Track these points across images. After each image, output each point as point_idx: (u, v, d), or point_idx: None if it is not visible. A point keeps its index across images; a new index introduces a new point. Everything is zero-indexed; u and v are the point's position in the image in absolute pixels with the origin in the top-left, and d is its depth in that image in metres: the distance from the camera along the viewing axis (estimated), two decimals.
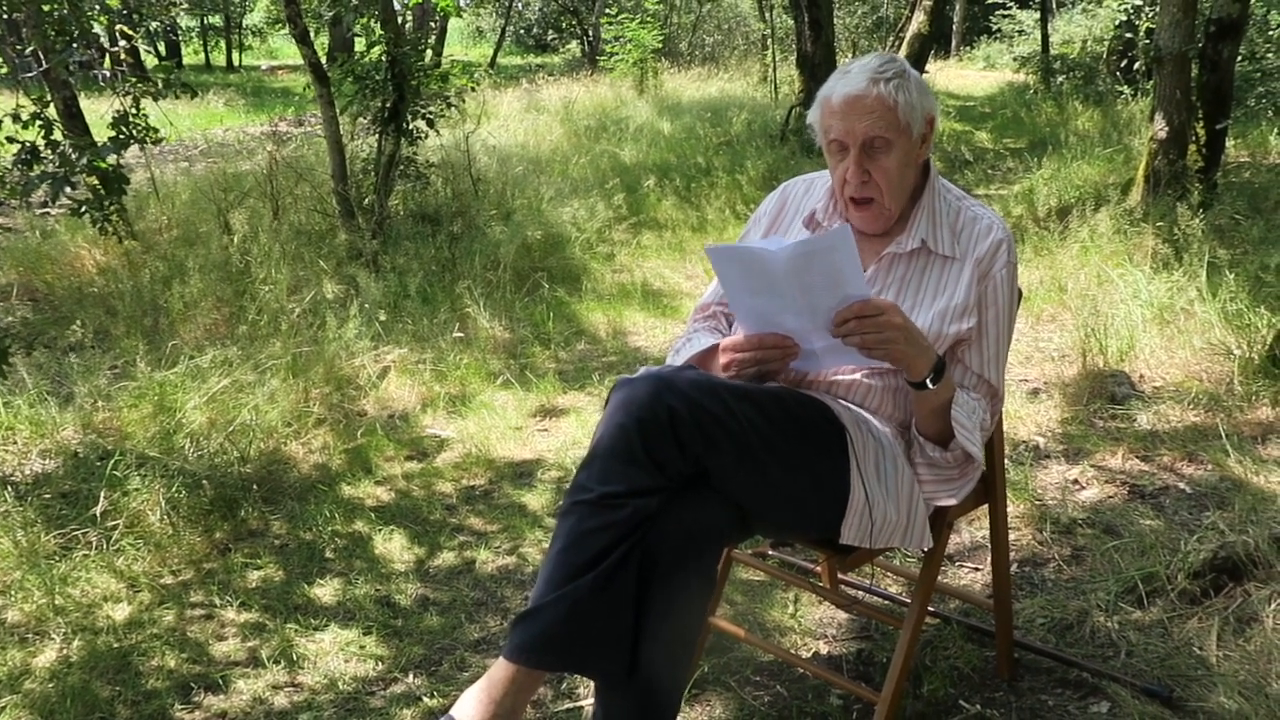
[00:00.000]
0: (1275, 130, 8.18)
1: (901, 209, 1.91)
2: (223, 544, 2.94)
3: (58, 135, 3.36)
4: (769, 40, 14.34)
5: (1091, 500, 3.07)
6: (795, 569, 2.71)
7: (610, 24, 14.55)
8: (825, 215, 2.00)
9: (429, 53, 9.06)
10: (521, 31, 28.15)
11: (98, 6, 3.73)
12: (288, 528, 3.04)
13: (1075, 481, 3.20)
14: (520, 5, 25.53)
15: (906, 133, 1.84)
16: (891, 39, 14.90)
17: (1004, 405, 2.04)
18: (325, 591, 2.70)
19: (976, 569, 2.76)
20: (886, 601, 2.59)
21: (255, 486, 3.17)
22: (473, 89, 7.60)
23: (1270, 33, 9.46)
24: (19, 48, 4.07)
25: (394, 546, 2.95)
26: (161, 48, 23.18)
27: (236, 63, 26.04)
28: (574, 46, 24.74)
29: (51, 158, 3.22)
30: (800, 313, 1.69)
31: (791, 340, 1.78)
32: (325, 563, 2.86)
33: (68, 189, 3.21)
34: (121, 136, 3.45)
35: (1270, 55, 9.14)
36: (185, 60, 24.80)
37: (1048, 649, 2.34)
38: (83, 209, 3.44)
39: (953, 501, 1.90)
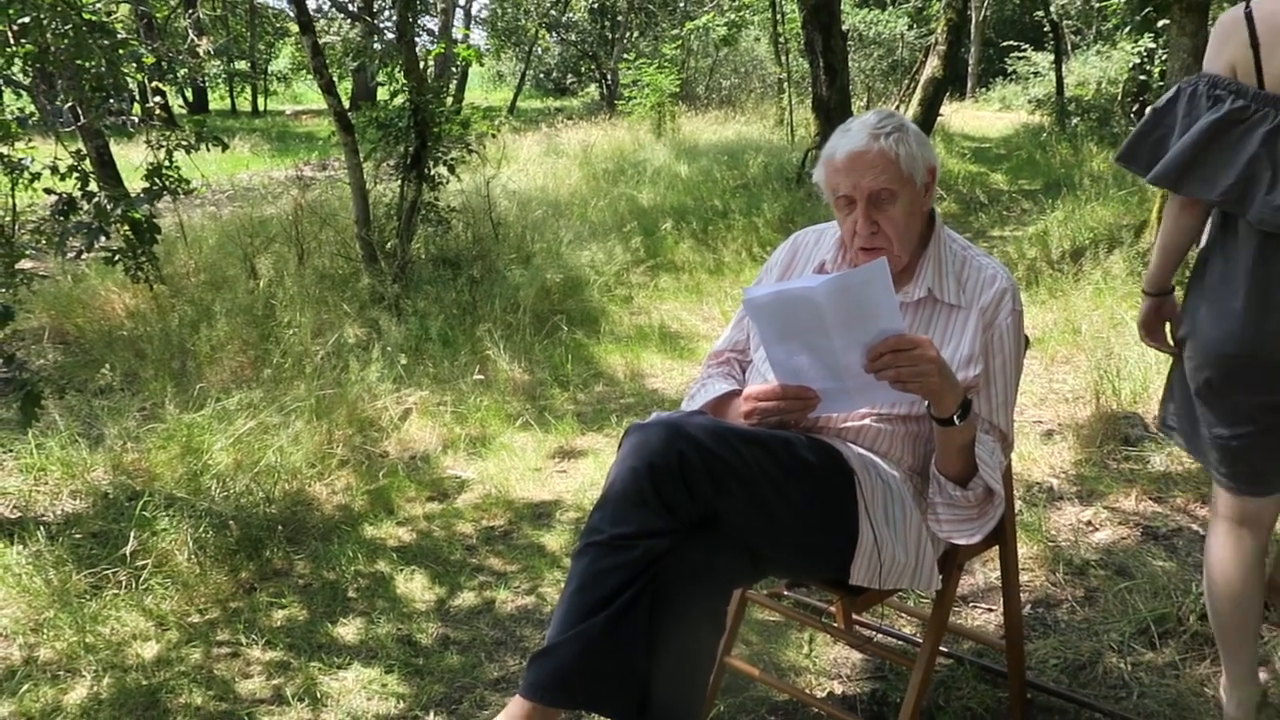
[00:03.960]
0: None
1: (909, 257, 1.97)
2: (248, 583, 3.00)
3: (93, 186, 3.48)
4: (785, 84, 14.51)
5: (1105, 541, 3.10)
6: (810, 609, 2.74)
7: (628, 68, 14.78)
8: (835, 265, 2.06)
9: (450, 99, 9.23)
10: (541, 75, 28.56)
11: (134, 64, 3.87)
12: (311, 567, 3.10)
13: (1088, 523, 3.23)
14: (540, 50, 25.93)
15: (910, 183, 1.90)
16: (907, 82, 15.06)
17: (1018, 447, 2.08)
18: (348, 630, 2.76)
19: (990, 610, 2.79)
20: (900, 642, 2.62)
21: (280, 527, 3.23)
22: (493, 135, 7.74)
23: None
24: (57, 101, 4.21)
25: (415, 586, 3.00)
26: (189, 94, 23.67)
27: (261, 108, 26.53)
28: (593, 90, 25.09)
29: (88, 208, 3.33)
30: (834, 349, 1.73)
31: (813, 392, 1.83)
32: (348, 602, 2.91)
33: (102, 238, 3.32)
34: (155, 188, 3.57)
35: None
36: (211, 105, 25.30)
37: (1060, 690, 2.37)
38: (116, 258, 3.55)
39: (974, 540, 1.93)
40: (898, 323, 1.68)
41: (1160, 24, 10.28)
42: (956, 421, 1.78)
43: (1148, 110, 2.10)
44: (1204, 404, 2.06)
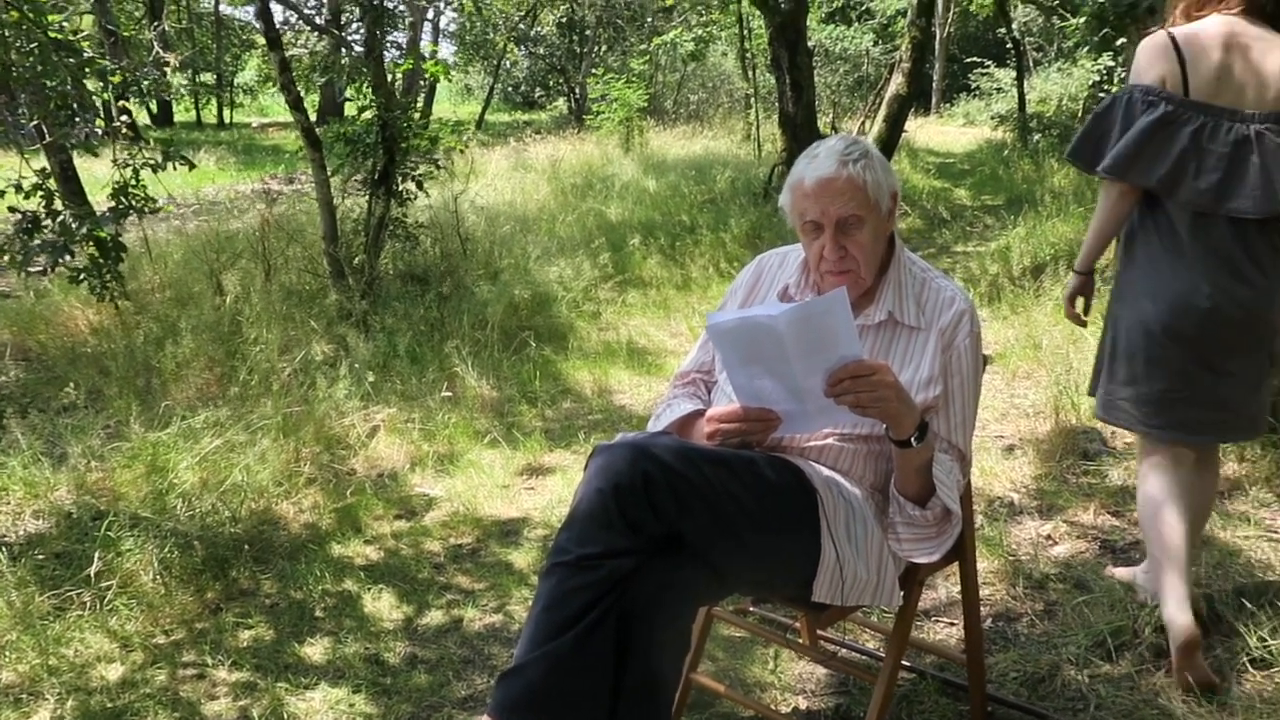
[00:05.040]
0: None
1: (871, 281, 2.02)
2: (214, 604, 2.99)
3: (58, 204, 3.46)
4: (752, 99, 14.63)
5: (1063, 555, 3.16)
6: (775, 625, 2.77)
7: (597, 82, 14.83)
8: (798, 289, 2.10)
9: (418, 114, 9.24)
10: (509, 89, 28.57)
11: (101, 81, 3.86)
12: (278, 587, 3.10)
13: (1048, 537, 3.28)
14: (508, 64, 25.95)
15: (876, 209, 1.96)
16: (872, 98, 15.21)
17: (979, 462, 2.13)
18: (315, 650, 2.75)
19: (952, 624, 2.83)
20: (864, 657, 2.66)
21: (246, 546, 3.22)
22: (462, 151, 7.74)
23: None
24: (20, 112, 4.18)
25: (383, 605, 3.00)
26: (154, 106, 23.44)
27: (228, 120, 26.31)
28: (561, 104, 25.14)
29: (52, 227, 3.31)
30: (795, 374, 1.77)
31: (774, 414, 1.87)
32: (315, 621, 2.91)
33: (66, 257, 3.30)
34: (121, 207, 3.55)
35: None
36: (176, 118, 25.06)
37: (1020, 702, 2.41)
38: (81, 276, 3.52)
39: (933, 559, 1.98)
40: (856, 349, 1.73)
41: (1119, 42, 10.48)
42: (914, 443, 1.83)
43: (1089, 116, 2.57)
44: (1148, 359, 2.51)
